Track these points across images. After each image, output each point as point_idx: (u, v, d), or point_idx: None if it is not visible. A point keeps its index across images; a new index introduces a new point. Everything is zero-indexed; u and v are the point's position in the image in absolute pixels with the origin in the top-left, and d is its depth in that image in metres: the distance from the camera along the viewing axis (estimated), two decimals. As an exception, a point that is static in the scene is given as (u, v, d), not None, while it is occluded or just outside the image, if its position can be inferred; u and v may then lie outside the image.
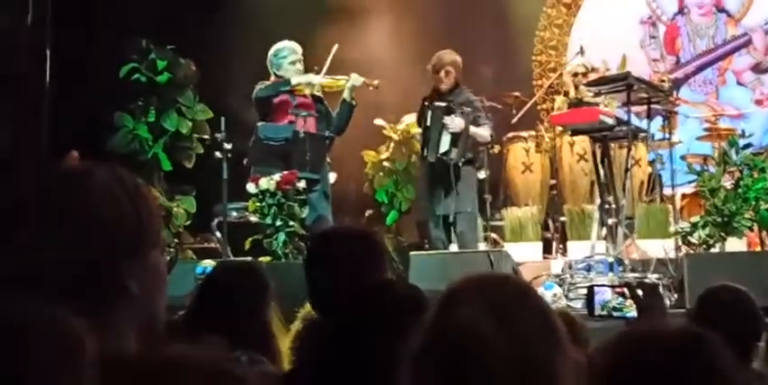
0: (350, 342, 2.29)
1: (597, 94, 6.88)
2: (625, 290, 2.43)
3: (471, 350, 1.32)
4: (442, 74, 6.89)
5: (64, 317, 1.17)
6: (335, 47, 6.79)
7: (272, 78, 6.77)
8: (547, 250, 7.53)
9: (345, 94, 6.65)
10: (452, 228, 6.76)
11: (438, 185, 6.76)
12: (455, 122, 6.72)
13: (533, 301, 1.38)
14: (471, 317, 1.34)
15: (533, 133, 7.85)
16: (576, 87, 7.77)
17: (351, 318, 2.30)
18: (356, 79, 6.61)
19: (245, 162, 6.73)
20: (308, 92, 6.72)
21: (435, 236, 6.78)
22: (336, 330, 2.32)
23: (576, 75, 7.66)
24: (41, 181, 1.35)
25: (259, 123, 6.66)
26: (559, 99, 8.04)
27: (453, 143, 6.71)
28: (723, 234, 6.04)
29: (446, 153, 6.70)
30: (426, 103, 6.90)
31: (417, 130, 7.17)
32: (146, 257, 1.33)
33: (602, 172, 6.70)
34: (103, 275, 1.28)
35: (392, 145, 8.50)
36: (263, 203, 6.30)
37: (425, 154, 6.80)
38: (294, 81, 6.61)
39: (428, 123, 6.77)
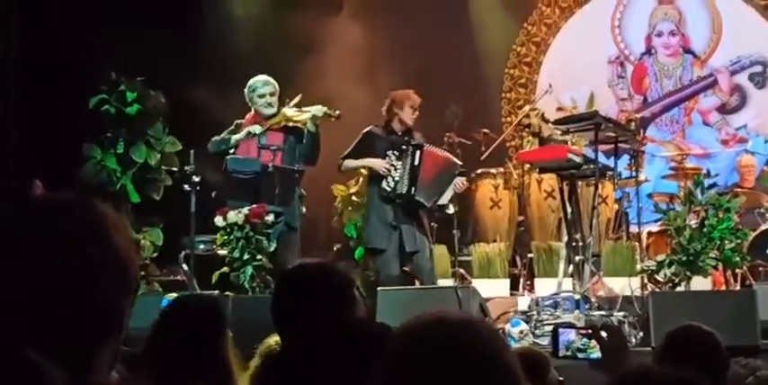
0: (314, 378, 2.28)
1: (565, 133, 6.94)
2: (589, 331, 2.44)
3: None
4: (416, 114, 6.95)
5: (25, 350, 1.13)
6: (298, 97, 6.85)
7: (251, 112, 6.80)
8: (514, 286, 7.55)
9: (308, 125, 6.67)
10: (407, 264, 6.81)
11: (405, 221, 6.77)
12: (463, 183, 7.04)
13: (490, 351, 1.37)
14: (426, 366, 1.33)
15: (502, 170, 7.90)
16: (541, 127, 7.86)
17: (316, 355, 2.29)
18: (318, 110, 6.64)
19: (213, 195, 6.72)
20: (282, 123, 6.73)
21: (392, 272, 6.76)
22: (301, 366, 2.31)
23: (543, 119, 7.77)
24: (46, 211, 1.30)
25: (228, 156, 6.66)
26: (528, 138, 8.10)
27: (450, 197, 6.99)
28: (688, 273, 6.08)
29: (442, 205, 6.93)
30: (397, 139, 6.90)
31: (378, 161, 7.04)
32: (130, 300, 1.31)
33: (569, 209, 6.74)
34: (111, 312, 1.26)
35: (361, 179, 8.51)
36: (231, 237, 6.28)
37: (411, 192, 6.75)
38: (233, 141, 6.65)
39: (416, 162, 6.78)
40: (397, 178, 6.78)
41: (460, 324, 1.38)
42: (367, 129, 6.99)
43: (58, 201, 1.31)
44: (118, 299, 1.27)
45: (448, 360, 1.33)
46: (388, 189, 6.79)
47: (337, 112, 6.66)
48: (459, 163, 7.09)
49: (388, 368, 1.38)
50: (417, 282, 6.87)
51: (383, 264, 6.79)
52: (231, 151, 6.68)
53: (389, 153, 6.83)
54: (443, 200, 6.95)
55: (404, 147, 6.84)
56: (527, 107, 8.09)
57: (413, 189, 6.76)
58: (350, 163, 7.01)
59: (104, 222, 1.28)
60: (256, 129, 6.66)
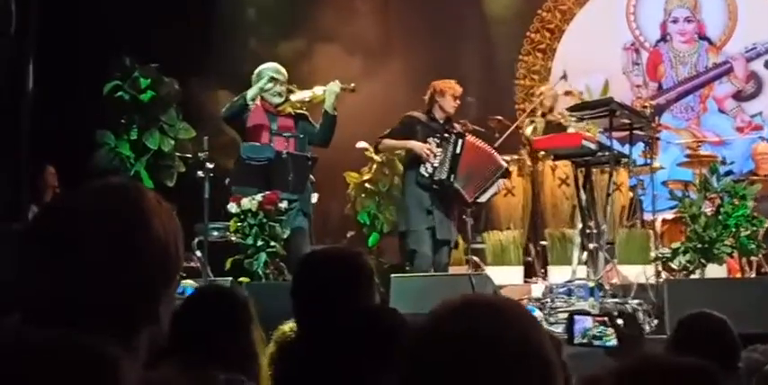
0: (332, 366, 2.28)
1: (580, 119, 6.91)
2: (606, 318, 2.43)
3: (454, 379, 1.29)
4: (457, 102, 6.98)
5: (98, 343, 1.13)
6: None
7: (258, 100, 6.77)
8: (528, 274, 7.53)
9: (327, 104, 6.65)
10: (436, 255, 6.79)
11: (440, 208, 6.78)
12: (505, 184, 7.26)
13: (521, 327, 1.33)
14: (455, 348, 1.30)
15: (516, 157, 7.87)
16: (551, 109, 7.87)
17: (334, 343, 2.29)
18: (334, 86, 6.62)
19: (227, 181, 6.71)
20: (289, 110, 6.73)
21: (426, 252, 6.72)
22: (319, 354, 2.31)
23: (563, 94, 7.76)
24: (97, 197, 1.29)
25: (242, 143, 6.66)
26: (537, 120, 8.07)
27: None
28: (703, 260, 6.05)
29: (479, 201, 7.01)
30: (438, 126, 6.90)
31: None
32: (172, 288, 1.31)
33: (583, 196, 6.71)
34: (144, 303, 1.25)
35: (374, 166, 8.50)
36: (245, 223, 6.28)
37: (450, 179, 6.75)
38: (250, 94, 6.61)
39: (457, 151, 6.78)
40: (436, 164, 6.77)
41: (487, 307, 1.34)
42: (409, 112, 7.01)
43: (100, 186, 1.30)
44: (154, 288, 1.25)
45: (479, 347, 1.29)
46: (426, 174, 6.78)
47: (352, 85, 6.66)
48: (505, 165, 7.10)
49: (413, 357, 1.34)
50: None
51: (420, 245, 6.74)
52: (244, 113, 6.59)
53: (430, 139, 6.82)
54: (484, 197, 6.98)
55: (446, 134, 6.83)
56: (543, 88, 8.09)
57: (452, 176, 6.76)
58: (390, 142, 7.02)
59: (145, 209, 1.26)
60: (278, 73, 6.65)
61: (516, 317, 1.33)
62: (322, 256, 2.66)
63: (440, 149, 6.80)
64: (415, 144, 6.83)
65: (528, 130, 7.89)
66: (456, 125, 7.09)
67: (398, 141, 6.96)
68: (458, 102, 6.99)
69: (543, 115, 7.97)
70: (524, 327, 1.32)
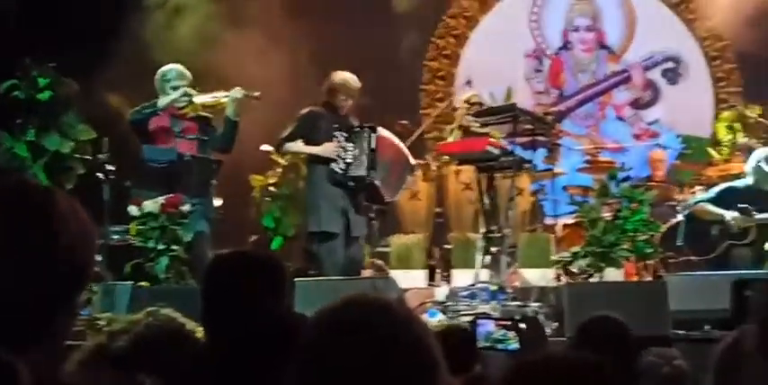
0: (243, 370, 2.26)
1: (484, 125, 7.00)
2: (508, 322, 2.46)
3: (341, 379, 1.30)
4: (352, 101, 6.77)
5: None
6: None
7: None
8: (431, 277, 7.58)
9: (228, 111, 6.56)
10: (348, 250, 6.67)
11: (352, 206, 6.63)
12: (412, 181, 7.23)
13: (407, 329, 1.35)
14: (343, 351, 1.31)
15: (420, 161, 7.91)
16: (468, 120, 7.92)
17: (246, 348, 2.27)
18: (236, 92, 6.52)
19: (127, 184, 6.59)
20: (192, 113, 6.64)
21: (339, 259, 6.56)
22: (230, 358, 2.29)
23: (471, 104, 7.80)
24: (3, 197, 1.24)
25: (144, 145, 6.54)
26: (449, 128, 8.13)
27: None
28: (602, 264, 6.18)
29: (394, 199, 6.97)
30: (339, 119, 6.70)
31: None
32: (78, 297, 1.26)
33: (486, 201, 6.79)
34: (40, 313, 1.20)
35: (280, 170, 8.45)
36: (146, 226, 6.17)
37: (369, 175, 6.56)
38: (161, 104, 6.51)
39: (372, 145, 6.56)
40: (349, 160, 6.54)
41: (375, 306, 1.36)
42: (306, 109, 6.75)
43: (21, 187, 1.26)
44: (53, 300, 1.20)
45: (363, 343, 1.31)
46: (340, 171, 6.55)
47: (256, 93, 6.57)
48: (413, 160, 7.02)
49: (304, 355, 1.36)
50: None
51: (332, 249, 6.55)
52: (149, 120, 6.49)
53: (337, 134, 6.57)
54: (397, 195, 6.93)
55: (356, 128, 6.63)
56: (468, 94, 8.10)
57: (370, 172, 6.56)
58: (293, 147, 6.75)
59: (53, 215, 1.22)
60: (192, 91, 6.54)
61: (401, 315, 1.35)
62: (234, 259, 2.61)
63: (351, 144, 6.55)
64: (323, 150, 6.58)
65: (451, 139, 7.89)
66: (352, 117, 6.83)
67: (303, 147, 6.70)
68: (352, 99, 6.71)
69: (460, 127, 7.95)
70: (406, 323, 1.35)
